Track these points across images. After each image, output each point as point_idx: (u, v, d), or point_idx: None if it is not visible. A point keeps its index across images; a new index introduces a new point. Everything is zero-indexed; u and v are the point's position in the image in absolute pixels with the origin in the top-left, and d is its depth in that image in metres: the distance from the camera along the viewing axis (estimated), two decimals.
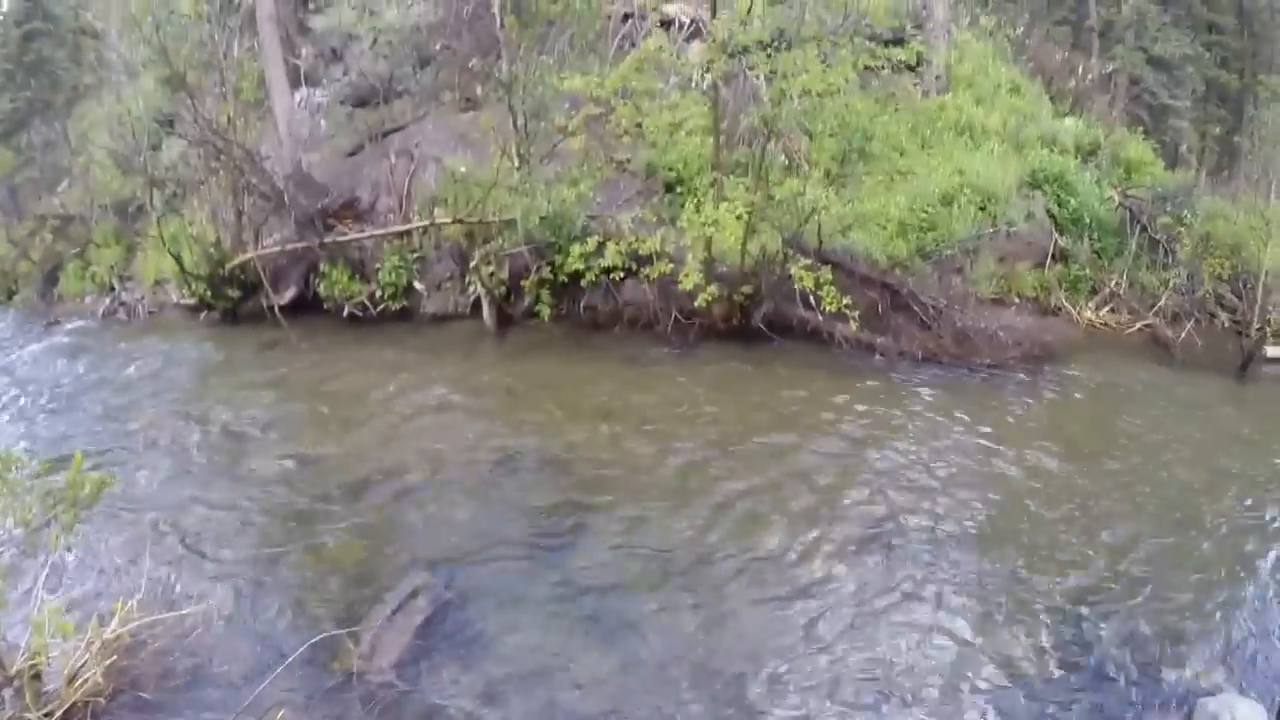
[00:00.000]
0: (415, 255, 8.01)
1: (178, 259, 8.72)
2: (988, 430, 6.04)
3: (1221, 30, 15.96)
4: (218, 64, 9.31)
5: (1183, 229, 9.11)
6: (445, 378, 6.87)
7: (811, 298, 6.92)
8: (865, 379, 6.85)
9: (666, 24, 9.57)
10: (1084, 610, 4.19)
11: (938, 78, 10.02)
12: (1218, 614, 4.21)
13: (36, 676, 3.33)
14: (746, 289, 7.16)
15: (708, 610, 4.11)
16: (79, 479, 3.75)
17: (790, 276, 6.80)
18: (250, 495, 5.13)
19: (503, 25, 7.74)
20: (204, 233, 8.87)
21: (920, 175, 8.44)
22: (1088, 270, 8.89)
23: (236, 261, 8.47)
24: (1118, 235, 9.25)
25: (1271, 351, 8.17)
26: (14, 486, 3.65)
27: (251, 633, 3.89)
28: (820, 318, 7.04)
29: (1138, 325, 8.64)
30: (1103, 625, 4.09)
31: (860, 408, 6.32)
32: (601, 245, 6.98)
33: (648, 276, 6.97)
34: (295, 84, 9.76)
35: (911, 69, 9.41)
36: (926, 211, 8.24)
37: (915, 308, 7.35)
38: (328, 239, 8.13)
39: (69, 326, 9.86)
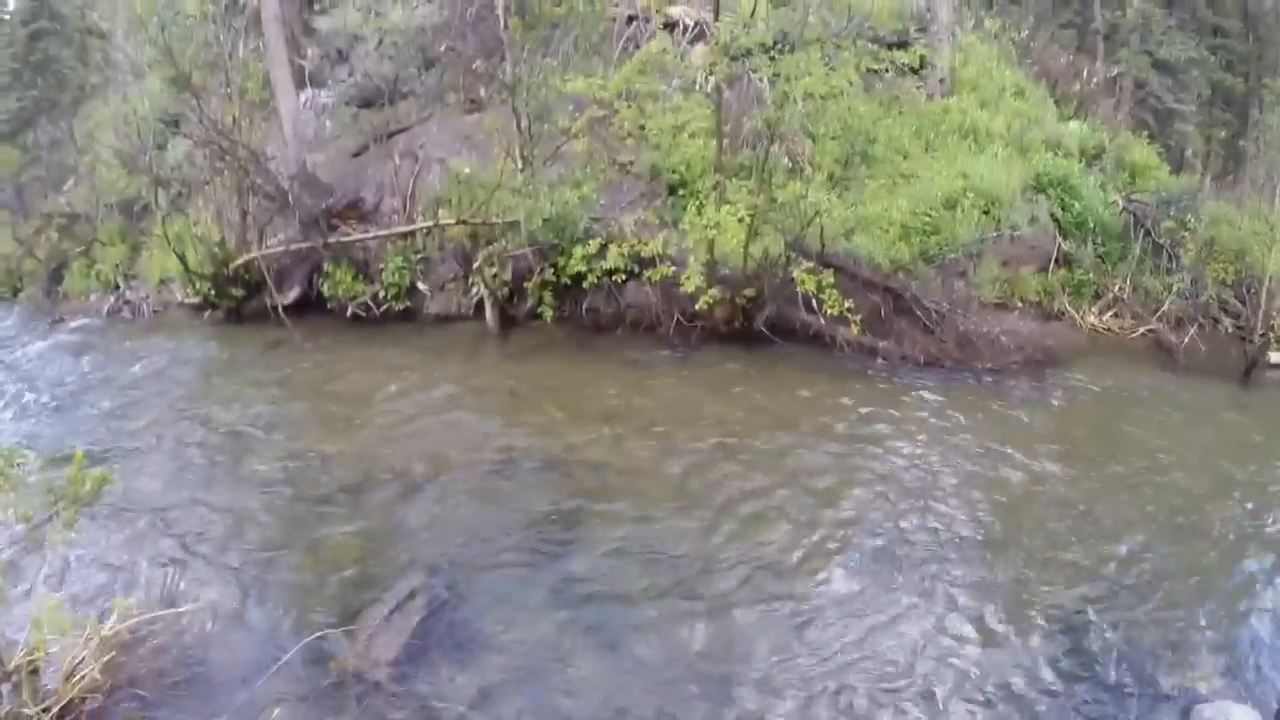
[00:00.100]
0: (419, 256, 8.03)
1: (182, 258, 8.75)
2: (990, 435, 6.03)
3: (1227, 34, 15.90)
4: (223, 64, 9.35)
5: (1187, 234, 9.07)
6: (448, 378, 6.89)
7: (814, 301, 6.91)
8: (867, 383, 6.84)
9: (670, 26, 9.58)
10: (1083, 615, 4.18)
11: (942, 81, 10.00)
12: (1217, 620, 4.20)
13: (35, 672, 3.34)
14: (749, 292, 7.16)
15: (707, 614, 4.10)
16: (80, 476, 3.78)
17: (792, 280, 6.80)
18: (251, 494, 5.15)
19: (507, 27, 7.77)
20: (208, 232, 8.90)
21: (924, 179, 8.44)
22: (1091, 275, 8.87)
23: (241, 261, 8.50)
24: (1121, 240, 9.22)
25: (1275, 357, 8.12)
26: (15, 483, 3.67)
27: (249, 631, 3.90)
28: (822, 321, 7.04)
29: (1141, 330, 8.61)
30: (1102, 630, 4.08)
31: (862, 411, 6.31)
32: (604, 247, 6.99)
33: (650, 279, 6.97)
34: (300, 85, 9.79)
35: (915, 72, 9.41)
36: (930, 215, 8.23)
37: (918, 311, 7.33)
38: (332, 239, 8.15)
39: (73, 325, 9.90)
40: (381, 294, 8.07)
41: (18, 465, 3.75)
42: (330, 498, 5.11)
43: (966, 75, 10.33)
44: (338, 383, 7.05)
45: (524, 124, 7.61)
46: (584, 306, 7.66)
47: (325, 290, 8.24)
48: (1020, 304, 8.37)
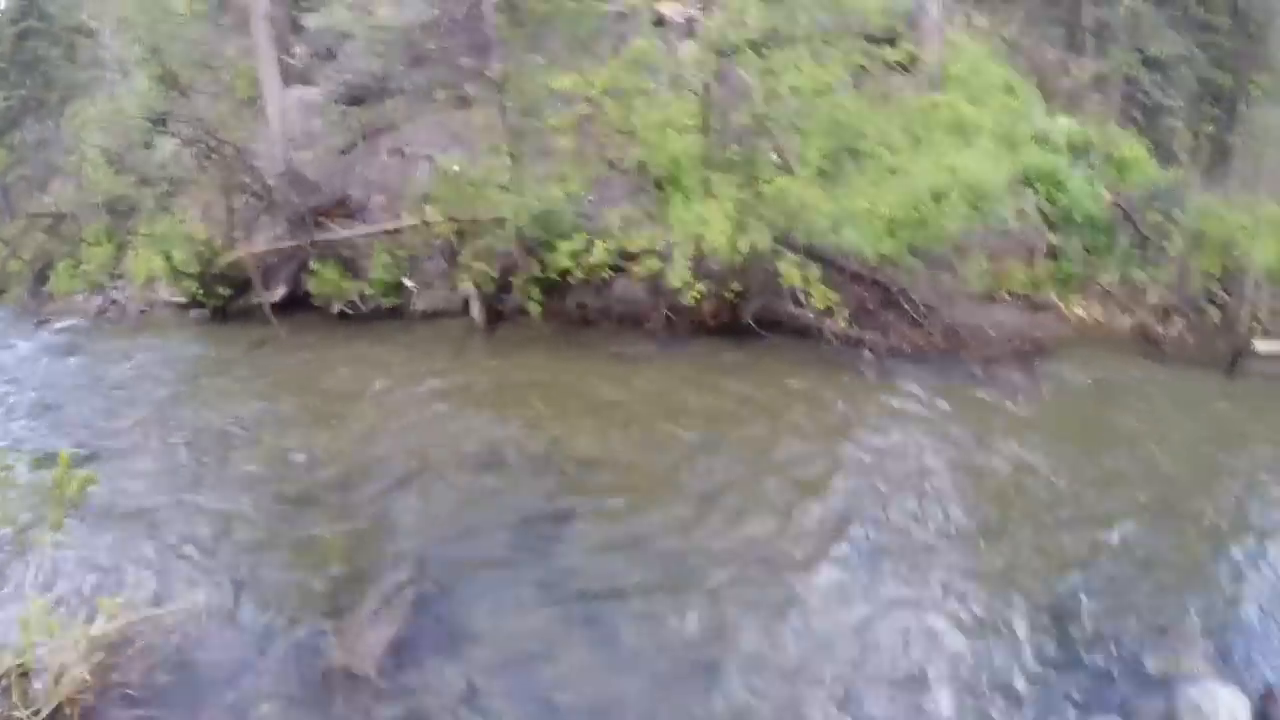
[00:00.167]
0: (406, 253, 8.01)
1: (168, 257, 8.72)
2: (978, 425, 6.07)
3: (1216, 30, 15.97)
4: (211, 62, 9.31)
5: (1174, 227, 9.13)
6: (434, 374, 6.88)
7: (801, 294, 6.93)
8: (855, 375, 6.86)
9: (659, 22, 9.58)
10: (1068, 599, 4.23)
11: (930, 77, 10.03)
12: (1203, 605, 4.26)
13: (24, 675, 3.34)
14: (736, 286, 7.16)
15: (693, 605, 4.11)
16: (65, 477, 3.76)
17: (779, 273, 6.81)
18: (238, 493, 5.14)
19: (495, 24, 7.74)
20: (195, 231, 8.86)
21: (912, 173, 8.46)
22: (1079, 267, 8.92)
23: (227, 260, 8.47)
24: (1109, 232, 9.27)
25: (1261, 348, 8.20)
26: (2, 485, 3.65)
27: (238, 629, 3.90)
28: (810, 314, 7.06)
29: (1128, 321, 8.67)
30: (1089, 615, 4.12)
31: (849, 404, 6.33)
32: (591, 243, 6.99)
33: (637, 274, 6.97)
34: (288, 82, 9.75)
35: (904, 68, 9.43)
36: (917, 209, 8.25)
37: (905, 304, 7.36)
38: (319, 237, 8.12)
39: (59, 325, 9.83)
40: (368, 291, 8.07)
41: (3, 469, 3.73)
42: (317, 495, 5.11)
43: (955, 71, 10.34)
44: (325, 380, 7.04)
45: (511, 121, 7.60)
46: (571, 302, 7.65)
47: (312, 288, 8.21)
48: (1007, 296, 8.40)
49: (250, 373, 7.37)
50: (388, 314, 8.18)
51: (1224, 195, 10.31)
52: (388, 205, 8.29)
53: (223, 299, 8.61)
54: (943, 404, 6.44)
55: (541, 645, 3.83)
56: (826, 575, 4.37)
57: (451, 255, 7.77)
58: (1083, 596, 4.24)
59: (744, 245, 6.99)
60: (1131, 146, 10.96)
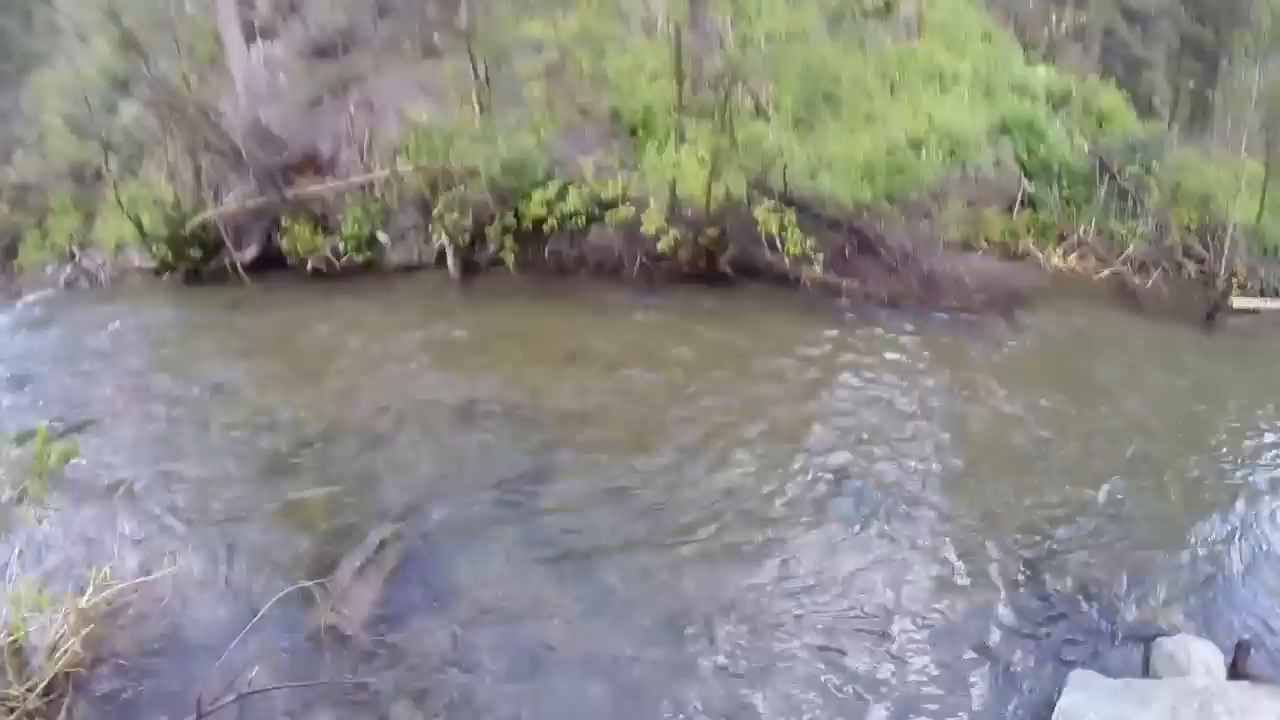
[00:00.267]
0: (378, 207, 7.87)
1: (137, 222, 8.50)
2: (953, 374, 6.09)
3: None
4: (170, 22, 8.98)
5: (1152, 179, 9.14)
6: (411, 328, 6.81)
7: (777, 241, 6.90)
8: (831, 322, 6.86)
9: None
10: (1047, 551, 4.27)
11: (908, 23, 9.89)
12: (1179, 557, 4.31)
13: (17, 651, 3.32)
14: (712, 232, 7.13)
15: (674, 551, 4.15)
16: (44, 450, 3.71)
17: (755, 220, 6.77)
18: (218, 456, 5.09)
19: None
20: (163, 194, 8.64)
21: (889, 120, 8.39)
22: (1056, 217, 8.93)
23: (197, 221, 8.29)
24: (1087, 183, 9.27)
25: (1238, 303, 8.25)
26: None
27: (225, 593, 3.90)
28: (786, 261, 7.04)
29: (1105, 272, 8.70)
30: (1065, 566, 4.17)
31: (825, 350, 6.34)
32: (564, 191, 6.90)
33: (612, 222, 6.90)
34: (251, 38, 9.45)
35: (882, 14, 9.29)
36: (894, 156, 8.20)
37: (882, 251, 7.36)
38: (288, 193, 7.96)
39: (30, 298, 9.61)
40: (341, 247, 7.94)
41: None
42: (298, 455, 5.06)
43: (934, 18, 10.22)
44: (301, 338, 6.94)
45: (481, 70, 7.42)
46: (546, 251, 7.58)
47: (285, 246, 8.06)
48: (985, 244, 8.42)
49: (226, 335, 7.25)
50: (362, 270, 8.06)
51: (1203, 151, 10.32)
52: (358, 159, 8.11)
53: (194, 261, 8.44)
54: (920, 351, 6.47)
55: (524, 594, 3.86)
56: (806, 525, 4.40)
57: (424, 208, 7.65)
58: (1060, 548, 4.28)
59: (719, 192, 6.94)
60: (1111, 98, 10.93)
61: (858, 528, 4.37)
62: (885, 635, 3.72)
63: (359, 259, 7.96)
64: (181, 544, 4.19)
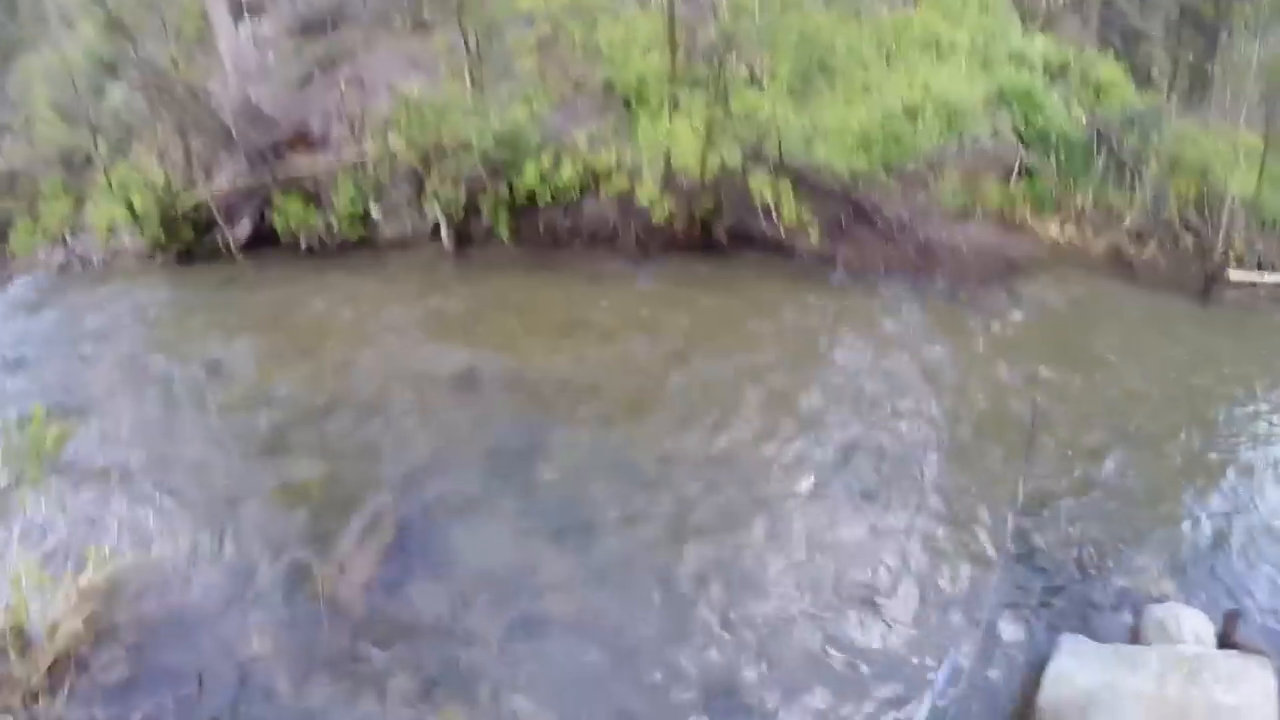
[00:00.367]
0: (371, 182, 7.81)
1: (128, 204, 8.46)
2: (950, 343, 6.09)
3: None
4: (157, 3, 8.88)
5: (1150, 151, 9.08)
6: (405, 301, 6.81)
7: (772, 210, 6.86)
8: (827, 291, 6.85)
9: None
10: (1040, 518, 4.28)
11: None
12: (1171, 527, 4.33)
13: (19, 632, 3.35)
14: (707, 203, 7.09)
15: (670, 517, 4.17)
16: (41, 433, 3.69)
17: (750, 189, 6.72)
18: (215, 433, 5.09)
19: None
20: (153, 176, 8.59)
21: (885, 90, 8.31)
22: (1053, 187, 8.88)
23: (188, 201, 8.24)
24: (1085, 154, 9.20)
25: (1234, 276, 8.22)
26: None
27: (224, 567, 3.91)
28: (782, 230, 7.01)
29: (1102, 243, 8.67)
30: (1059, 533, 4.19)
31: (821, 319, 6.34)
32: (557, 162, 6.84)
33: (606, 193, 6.85)
34: (239, 16, 9.33)
35: None
36: (890, 126, 8.13)
37: (878, 220, 7.33)
38: (280, 172, 7.90)
39: (23, 283, 9.57)
40: (334, 223, 7.89)
41: None
42: (294, 430, 5.07)
43: None
44: (296, 315, 6.93)
45: (472, 43, 7.34)
46: (540, 223, 7.54)
47: (277, 223, 8.01)
48: (981, 214, 8.37)
49: (220, 313, 7.24)
50: (356, 245, 8.01)
51: (1202, 123, 10.25)
52: (349, 135, 8.04)
53: (187, 242, 8.40)
54: (917, 320, 6.47)
55: (520, 561, 3.88)
56: (802, 493, 4.42)
57: (417, 182, 7.59)
58: (1054, 514, 4.30)
59: (713, 162, 6.89)
60: (1110, 70, 10.83)
61: (854, 496, 4.39)
62: (880, 601, 3.75)
63: (352, 234, 7.91)
64: (179, 521, 4.21)
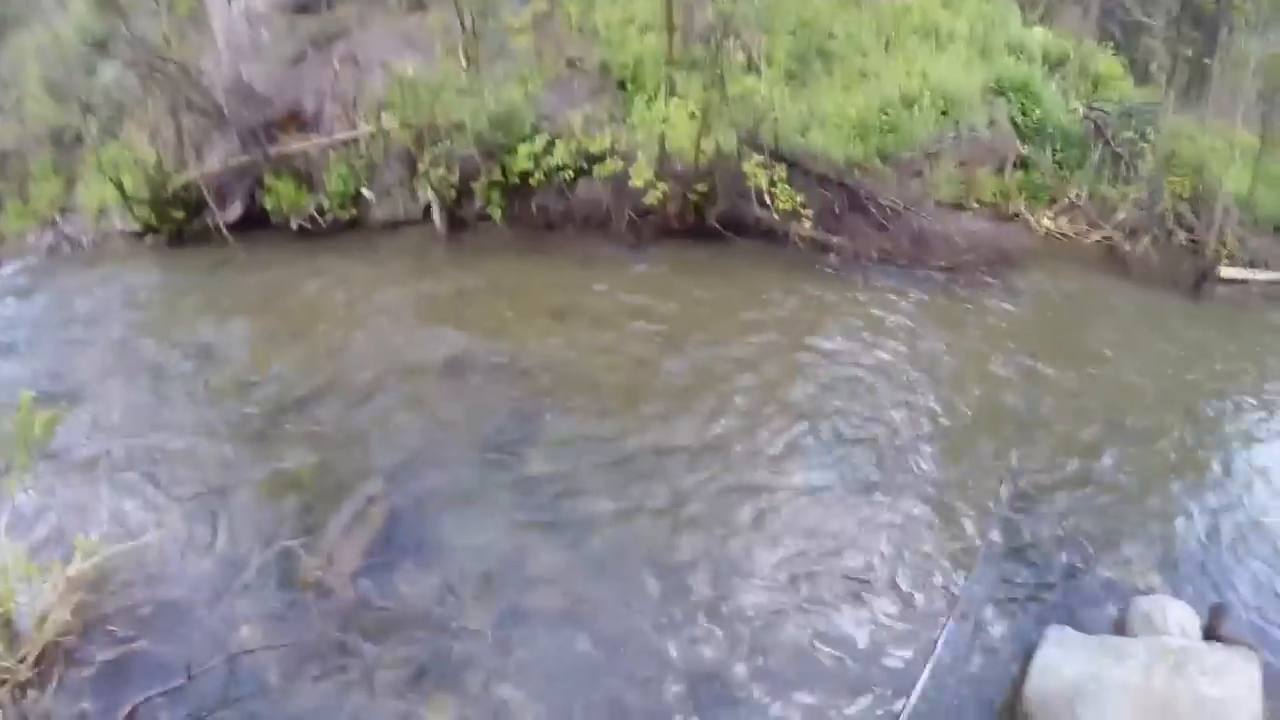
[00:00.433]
0: (363, 163, 7.74)
1: (119, 185, 8.36)
2: (940, 333, 6.09)
3: None
4: None
5: (1146, 145, 9.08)
6: (397, 284, 6.75)
7: (766, 196, 6.84)
8: (820, 279, 6.84)
9: None
10: (1028, 509, 4.30)
11: None
12: (1159, 518, 4.35)
13: (7, 622, 3.30)
14: (701, 187, 7.05)
15: (662, 507, 4.16)
16: (28, 419, 3.65)
17: (745, 175, 6.69)
18: (203, 417, 5.05)
19: None
20: (144, 156, 8.49)
21: (882, 77, 8.28)
22: (1049, 179, 8.89)
23: (179, 182, 8.15)
24: (1081, 147, 9.21)
25: (1227, 273, 8.26)
26: None
27: (213, 555, 3.88)
28: (776, 217, 6.99)
29: (1096, 236, 8.70)
30: (1046, 524, 4.20)
31: (815, 307, 6.33)
32: (551, 144, 6.79)
33: (600, 176, 6.81)
34: None
35: None
36: (887, 113, 8.11)
37: (873, 209, 7.31)
38: (272, 151, 7.82)
39: (12, 267, 9.46)
40: (326, 204, 7.82)
41: None
42: (284, 414, 5.03)
43: None
44: (287, 298, 6.88)
45: (468, 22, 7.26)
46: (533, 206, 7.47)
47: (269, 204, 7.93)
48: (976, 205, 8.38)
49: (211, 296, 7.17)
50: (347, 227, 7.95)
51: (1199, 119, 10.25)
52: (342, 115, 7.96)
53: (178, 223, 8.32)
54: (910, 310, 6.47)
55: (511, 550, 3.86)
56: (795, 482, 4.42)
57: (410, 163, 7.53)
58: (1042, 505, 4.32)
59: (708, 146, 6.85)
60: (1108, 63, 10.82)
61: (846, 485, 4.40)
62: (868, 591, 3.77)
63: (344, 216, 7.84)
64: (168, 509, 4.17)
